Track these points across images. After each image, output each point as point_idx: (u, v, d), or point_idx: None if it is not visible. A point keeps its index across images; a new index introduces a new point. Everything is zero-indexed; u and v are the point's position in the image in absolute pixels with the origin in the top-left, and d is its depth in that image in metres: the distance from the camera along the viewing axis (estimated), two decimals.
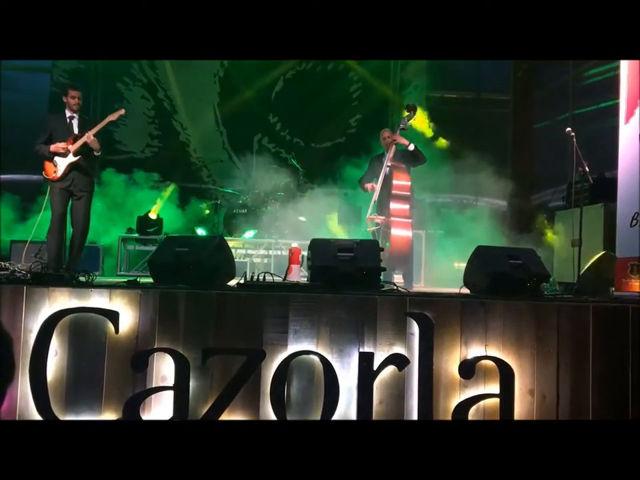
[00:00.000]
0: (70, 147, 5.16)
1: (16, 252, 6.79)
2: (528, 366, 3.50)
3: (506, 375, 3.46)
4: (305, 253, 4.78)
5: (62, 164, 5.17)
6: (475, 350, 3.50)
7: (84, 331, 3.47)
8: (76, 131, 5.31)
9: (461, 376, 3.47)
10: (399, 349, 3.49)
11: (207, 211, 8.53)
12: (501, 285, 3.91)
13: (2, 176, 8.91)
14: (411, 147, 5.76)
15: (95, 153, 5.28)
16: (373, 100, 9.86)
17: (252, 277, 3.98)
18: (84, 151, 5.24)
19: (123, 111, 5.53)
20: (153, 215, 7.90)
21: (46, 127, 5.40)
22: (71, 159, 5.18)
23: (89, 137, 5.16)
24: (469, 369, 3.47)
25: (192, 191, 9.17)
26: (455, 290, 4.17)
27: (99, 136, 5.34)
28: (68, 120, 5.33)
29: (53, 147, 5.18)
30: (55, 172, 5.18)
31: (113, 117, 5.38)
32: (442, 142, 8.43)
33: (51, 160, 5.21)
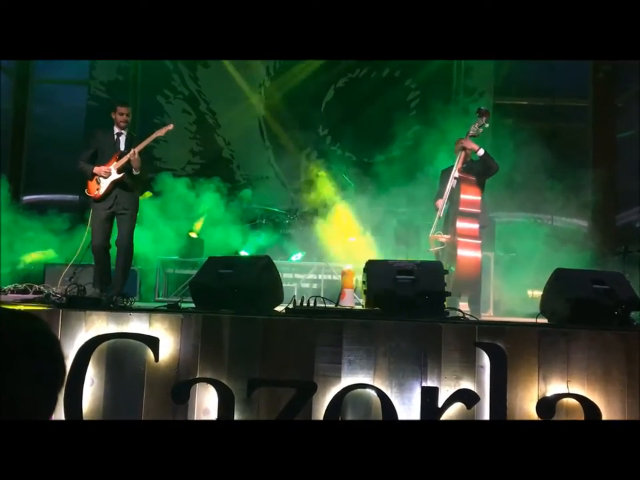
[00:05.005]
0: (112, 167, 5.32)
1: (50, 276, 7.02)
2: (617, 405, 3.37)
3: (592, 415, 3.35)
4: (360, 276, 4.78)
5: (105, 181, 5.33)
6: (555, 386, 3.41)
7: (122, 358, 3.57)
8: (122, 148, 5.44)
9: (539, 415, 3.38)
10: (467, 384, 3.44)
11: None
12: (585, 313, 3.81)
13: (43, 196, 9.40)
14: (481, 152, 5.66)
15: (134, 172, 5.38)
16: (432, 109, 9.84)
17: (302, 302, 4.00)
18: (129, 167, 5.37)
19: (171, 126, 5.63)
20: (193, 235, 8.06)
21: (91, 142, 5.59)
22: (115, 176, 5.33)
23: (133, 153, 5.27)
24: (548, 408, 3.38)
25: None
26: (531, 319, 4.08)
27: (142, 154, 5.43)
28: (115, 136, 5.47)
29: (96, 169, 5.33)
30: (97, 189, 5.35)
31: (160, 133, 5.49)
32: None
33: (94, 178, 5.39)
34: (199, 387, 3.51)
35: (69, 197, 9.33)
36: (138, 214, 5.61)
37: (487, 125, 5.77)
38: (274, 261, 4.36)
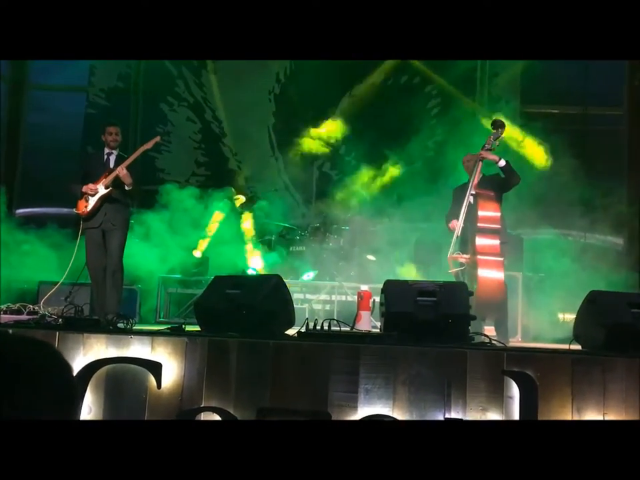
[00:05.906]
0: (100, 184, 5.63)
1: (44, 295, 7.04)
2: None
3: None
4: (377, 298, 4.77)
5: (92, 198, 5.67)
6: (590, 419, 3.36)
7: (122, 385, 3.57)
8: (112, 167, 5.78)
9: None
10: (494, 416, 3.41)
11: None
12: (622, 339, 3.78)
13: (37, 209, 9.48)
14: (502, 163, 5.66)
15: (126, 187, 5.67)
16: (455, 118, 9.83)
17: (315, 325, 3.99)
18: (117, 183, 5.67)
19: (158, 138, 5.99)
20: (197, 254, 8.09)
21: (82, 164, 6.10)
22: (102, 191, 5.63)
23: (121, 169, 5.58)
24: None
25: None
26: (563, 346, 4.05)
27: (135, 167, 5.77)
28: (106, 156, 5.85)
29: (84, 188, 5.66)
30: (85, 206, 5.67)
31: (147, 146, 5.87)
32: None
33: (83, 197, 5.73)
34: (204, 417, 3.50)
35: (64, 210, 9.37)
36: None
37: (503, 137, 5.82)
38: (284, 280, 4.37)
